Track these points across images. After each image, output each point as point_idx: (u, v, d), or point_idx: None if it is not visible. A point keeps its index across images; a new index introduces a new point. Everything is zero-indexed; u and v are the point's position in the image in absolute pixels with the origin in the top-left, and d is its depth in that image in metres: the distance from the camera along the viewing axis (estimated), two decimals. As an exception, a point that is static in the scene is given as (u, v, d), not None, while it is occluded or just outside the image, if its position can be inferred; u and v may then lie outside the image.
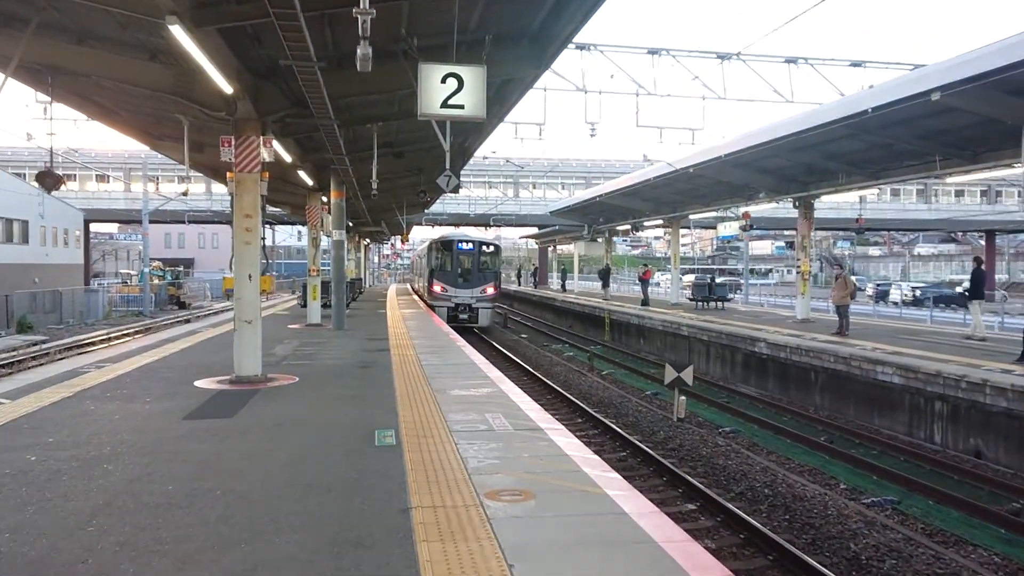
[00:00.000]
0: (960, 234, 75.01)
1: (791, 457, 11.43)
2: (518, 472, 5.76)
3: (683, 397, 13.58)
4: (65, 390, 9.32)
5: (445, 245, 27.60)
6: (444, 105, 7.39)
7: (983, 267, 16.59)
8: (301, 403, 8.65)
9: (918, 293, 41.25)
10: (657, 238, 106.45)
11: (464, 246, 27.30)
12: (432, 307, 26.65)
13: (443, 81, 7.38)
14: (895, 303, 41.99)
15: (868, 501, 9.24)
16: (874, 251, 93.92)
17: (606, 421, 12.97)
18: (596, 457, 6.36)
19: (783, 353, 16.29)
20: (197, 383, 9.90)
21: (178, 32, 7.32)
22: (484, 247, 27.68)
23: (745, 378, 17.95)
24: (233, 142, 9.70)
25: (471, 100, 7.46)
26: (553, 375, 18.94)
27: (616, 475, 5.86)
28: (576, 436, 7.38)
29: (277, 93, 10.16)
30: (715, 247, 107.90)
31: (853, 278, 20.79)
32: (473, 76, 7.47)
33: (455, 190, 9.89)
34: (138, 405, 8.42)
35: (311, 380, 10.28)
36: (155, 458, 6.19)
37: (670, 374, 13.60)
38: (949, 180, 18.20)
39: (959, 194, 53.59)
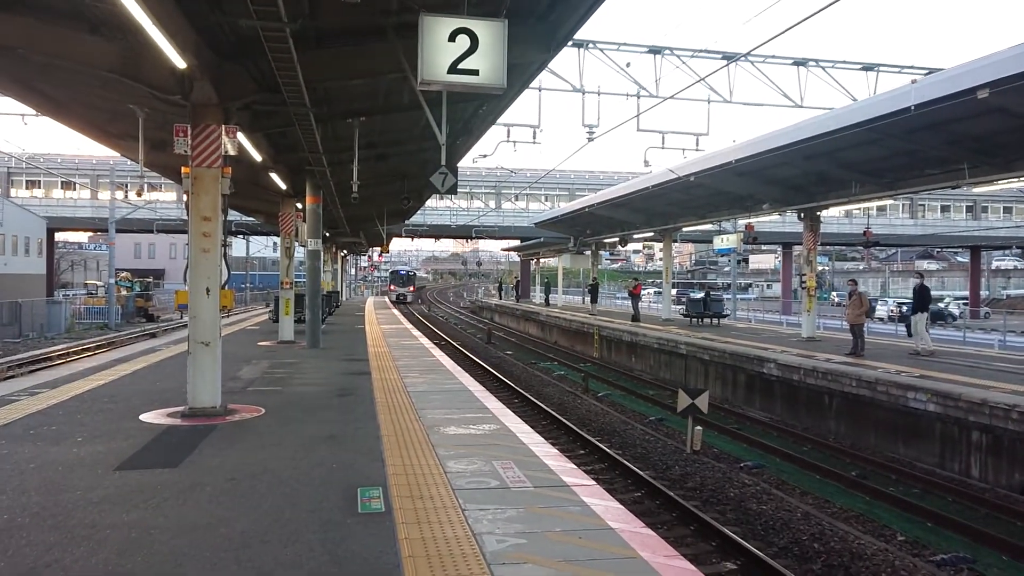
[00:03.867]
0: (937, 250, 74.86)
1: (829, 499, 10.03)
2: (555, 561, 4.23)
3: (699, 428, 12.15)
4: (-21, 426, 7.64)
5: (395, 271, 64.52)
6: (453, 70, 5.75)
7: (925, 283, 16.55)
8: (266, 446, 7.04)
9: (905, 309, 40.48)
10: (637, 252, 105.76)
11: (401, 270, 63.92)
12: (387, 294, 56.61)
13: (451, 39, 5.76)
14: (881, 319, 41.24)
15: (938, 559, 7.81)
16: (851, 266, 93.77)
17: (615, 455, 11.49)
18: (650, 532, 4.83)
19: (796, 375, 14.98)
20: (143, 416, 8.27)
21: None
22: (409, 272, 65.66)
23: (749, 400, 16.71)
24: (189, 131, 8.14)
25: (487, 64, 5.83)
26: (546, 397, 17.49)
27: (687, 564, 4.33)
28: (616, 498, 5.85)
29: (243, 75, 8.60)
30: (693, 261, 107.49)
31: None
32: (490, 33, 5.82)
33: (452, 191, 8.35)
34: (64, 448, 6.78)
35: (280, 413, 8.69)
36: (62, 536, 4.58)
37: (683, 401, 12.17)
38: (976, 190, 17.02)
39: (945, 209, 53.01)
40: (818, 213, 19.45)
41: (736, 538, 7.94)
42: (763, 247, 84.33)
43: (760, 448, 12.86)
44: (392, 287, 63.18)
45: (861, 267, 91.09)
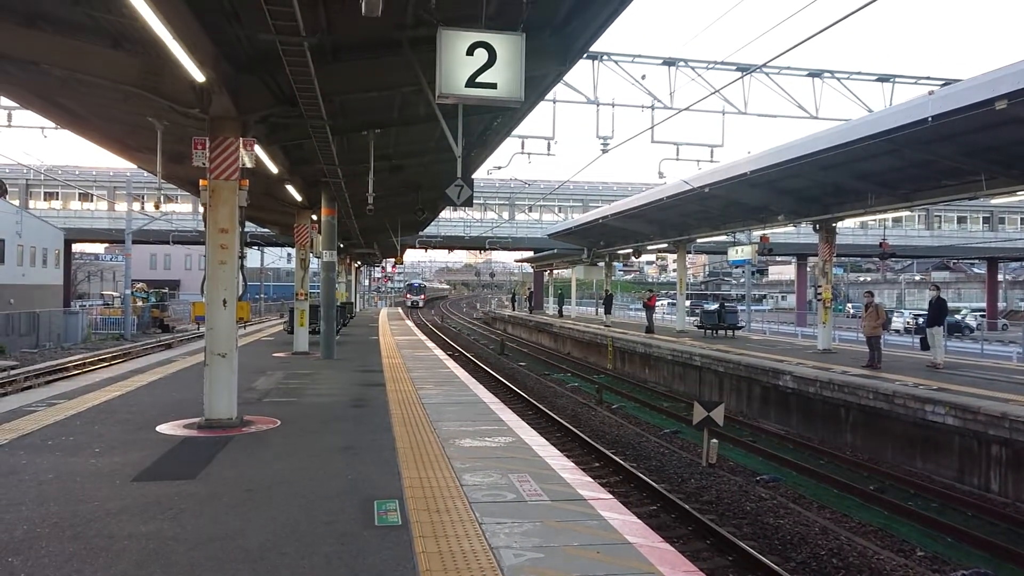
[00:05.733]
0: (954, 261, 74.22)
1: (846, 513, 9.93)
2: (573, 576, 4.20)
3: (714, 440, 12.07)
4: (-1, 436, 7.71)
5: (410, 284, 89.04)
6: (471, 83, 5.78)
7: (942, 295, 16.26)
8: (282, 457, 7.05)
9: (920, 321, 40.12)
10: (650, 263, 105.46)
11: (415, 283, 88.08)
12: (404, 301, 79.05)
13: (469, 52, 5.79)
14: (897, 331, 40.87)
15: (959, 575, 7.70)
16: (865, 276, 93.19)
17: (630, 467, 11.44)
18: (668, 546, 4.79)
19: (812, 388, 14.86)
20: (160, 428, 8.30)
21: (137, 2, 5.84)
22: (420, 284, 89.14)
23: (764, 413, 16.61)
24: (208, 144, 8.19)
25: (505, 77, 5.84)
26: (559, 408, 17.46)
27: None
28: (632, 512, 5.81)
29: (261, 88, 8.67)
30: (707, 272, 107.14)
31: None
32: (508, 47, 5.84)
33: (468, 203, 8.35)
34: (81, 459, 6.81)
35: (295, 424, 8.71)
36: (80, 547, 4.60)
37: (699, 414, 12.08)
38: (993, 201, 16.88)
39: (961, 220, 52.60)
40: (833, 224, 19.32)
41: (754, 553, 7.87)
42: (778, 258, 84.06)
43: (776, 461, 12.78)
44: (408, 296, 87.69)
45: (877, 278, 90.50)
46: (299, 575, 4.22)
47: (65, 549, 4.56)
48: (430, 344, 22.20)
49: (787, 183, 18.31)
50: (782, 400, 15.96)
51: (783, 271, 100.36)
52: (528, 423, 9.77)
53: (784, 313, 54.39)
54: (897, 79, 19.60)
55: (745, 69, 18.36)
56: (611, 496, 5.93)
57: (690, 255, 56.73)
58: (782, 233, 29.58)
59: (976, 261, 68.86)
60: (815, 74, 19.20)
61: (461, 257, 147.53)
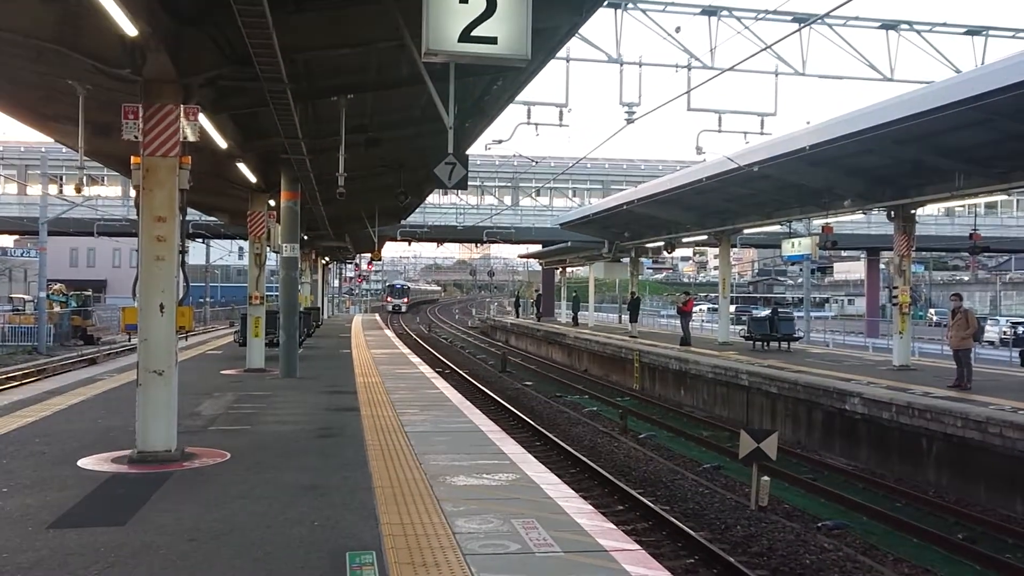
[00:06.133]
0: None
1: (929, 567, 9.97)
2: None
3: (766, 478, 12.08)
4: None
5: (391, 285, 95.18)
6: (465, 37, 5.74)
7: None
8: (233, 499, 7.07)
9: (1020, 331, 40.14)
10: (685, 259, 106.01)
11: (397, 284, 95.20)
12: (384, 305, 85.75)
13: (464, 0, 5.80)
14: (991, 343, 40.85)
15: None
16: (952, 276, 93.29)
17: (661, 511, 11.46)
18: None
19: (886, 413, 14.92)
20: (82, 462, 8.35)
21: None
22: (404, 285, 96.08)
23: (827, 444, 16.75)
24: (141, 112, 8.23)
25: (507, 29, 5.79)
26: (574, 438, 17.54)
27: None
28: (664, 566, 5.81)
29: (207, 44, 8.72)
30: (757, 271, 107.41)
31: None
32: (511, -10, 5.86)
33: (461, 185, 8.37)
34: (-14, 501, 6.84)
35: (249, 457, 8.75)
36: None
37: (746, 445, 12.11)
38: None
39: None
40: (912, 211, 19.37)
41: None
42: (843, 253, 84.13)
43: (842, 503, 12.80)
44: (389, 299, 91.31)
45: (966, 278, 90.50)
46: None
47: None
48: (415, 359, 22.27)
49: (855, 160, 18.36)
50: (849, 428, 16.00)
51: (850, 269, 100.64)
52: (536, 456, 9.82)
53: (851, 321, 54.56)
54: (991, 32, 19.64)
55: (803, 19, 18.42)
56: (638, 547, 5.96)
57: (735, 249, 56.89)
58: (849, 222, 29.62)
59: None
60: (889, 26, 19.25)
61: (453, 252, 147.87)
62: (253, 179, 16.72)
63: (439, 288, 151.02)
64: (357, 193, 22.42)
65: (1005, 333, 40.91)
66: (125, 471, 8.02)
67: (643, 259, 40.12)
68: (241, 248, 66.87)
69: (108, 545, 5.75)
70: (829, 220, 23.07)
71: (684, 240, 31.45)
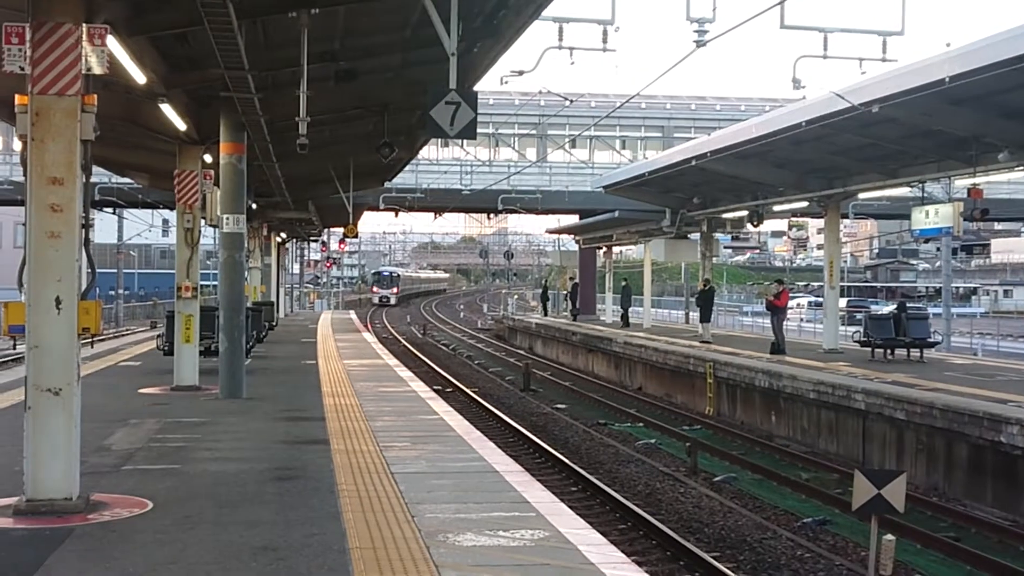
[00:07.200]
0: None
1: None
2: None
3: (890, 537, 12.06)
4: None
5: (377, 272, 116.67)
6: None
7: None
8: (155, 565, 7.12)
9: None
10: (779, 235, 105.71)
11: (384, 272, 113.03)
12: (371, 298, 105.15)
13: None
14: None
15: None
16: None
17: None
18: None
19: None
20: (-52, 514, 8.45)
21: None
22: (393, 274, 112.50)
23: (974, 490, 16.70)
24: (28, 34, 8.26)
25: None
26: (624, 482, 17.63)
27: None
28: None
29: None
30: (876, 250, 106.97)
31: None
32: None
33: (467, 133, 8.37)
34: None
35: (178, 508, 8.81)
36: None
37: (862, 491, 12.07)
38: None
39: None
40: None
41: None
42: (997, 226, 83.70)
43: (995, 572, 12.75)
44: (375, 289, 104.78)
45: None
46: None
47: None
48: (404, 373, 22.42)
49: (1013, 98, 18.26)
50: (1006, 468, 15.98)
51: (1009, 247, 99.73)
52: (571, 506, 9.87)
53: (1007, 319, 54.22)
54: None
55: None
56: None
57: (847, 221, 56.60)
58: (1005, 184, 29.40)
59: None
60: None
61: (457, 226, 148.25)
62: (182, 126, 16.79)
63: (444, 275, 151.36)
64: (325, 145, 22.53)
65: None
66: (9, 526, 8.09)
67: (719, 235, 39.84)
68: (166, 221, 67.36)
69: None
70: (978, 180, 22.95)
71: (776, 209, 31.40)
